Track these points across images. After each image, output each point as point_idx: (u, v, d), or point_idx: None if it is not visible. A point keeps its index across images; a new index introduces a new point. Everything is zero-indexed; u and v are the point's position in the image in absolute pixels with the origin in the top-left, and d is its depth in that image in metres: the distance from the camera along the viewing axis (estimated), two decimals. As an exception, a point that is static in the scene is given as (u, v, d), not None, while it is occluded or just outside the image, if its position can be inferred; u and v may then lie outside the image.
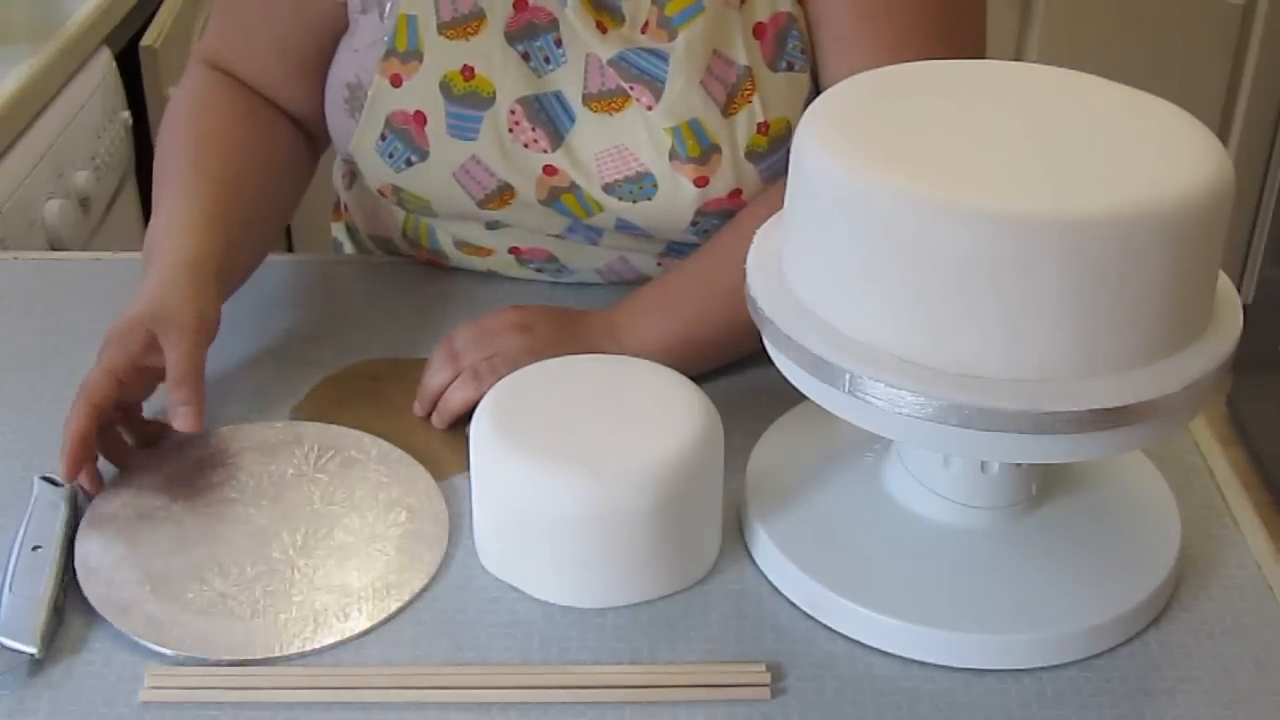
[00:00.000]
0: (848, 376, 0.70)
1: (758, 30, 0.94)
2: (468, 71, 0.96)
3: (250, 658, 0.76)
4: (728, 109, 0.94)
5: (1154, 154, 0.71)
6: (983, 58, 0.97)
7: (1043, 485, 0.83)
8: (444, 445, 0.92)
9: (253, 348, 1.02)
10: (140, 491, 0.86)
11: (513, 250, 1.07)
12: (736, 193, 0.96)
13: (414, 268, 1.13)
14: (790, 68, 0.96)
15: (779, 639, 0.78)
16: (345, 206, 1.21)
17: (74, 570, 0.81)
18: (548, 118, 0.96)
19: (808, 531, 0.82)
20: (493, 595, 0.81)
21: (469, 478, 0.84)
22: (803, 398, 0.76)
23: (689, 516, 0.80)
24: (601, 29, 0.95)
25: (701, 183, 0.95)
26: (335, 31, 1.01)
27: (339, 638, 0.77)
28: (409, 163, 0.99)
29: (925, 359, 0.69)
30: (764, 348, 0.78)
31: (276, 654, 0.76)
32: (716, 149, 0.94)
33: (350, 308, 1.08)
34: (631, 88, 0.94)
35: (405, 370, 0.99)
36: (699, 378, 0.87)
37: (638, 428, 0.79)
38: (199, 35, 1.84)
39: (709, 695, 0.74)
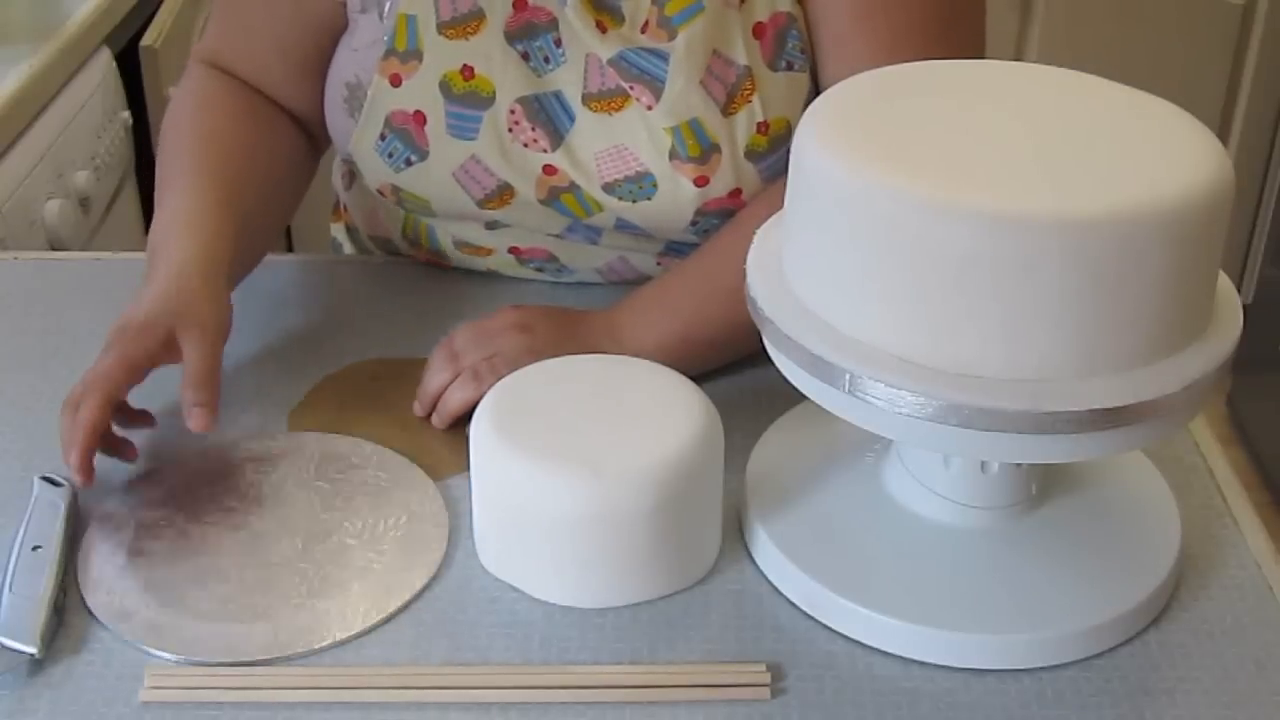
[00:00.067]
0: (847, 376, 0.70)
1: (757, 30, 0.94)
2: (467, 71, 0.96)
3: (250, 658, 0.76)
4: (727, 109, 0.94)
5: (1154, 154, 0.71)
6: (982, 58, 0.97)
7: (1043, 485, 0.83)
8: (444, 445, 0.92)
9: (252, 348, 1.02)
10: (142, 503, 0.86)
11: (512, 250, 1.07)
12: (736, 192, 0.96)
13: (414, 268, 1.13)
14: (790, 67, 0.96)
15: (779, 639, 0.78)
16: (345, 206, 1.21)
17: (74, 571, 0.81)
18: (547, 117, 0.96)
19: (808, 531, 0.82)
20: (493, 595, 0.81)
21: (469, 478, 0.84)
22: (803, 398, 0.76)
23: (689, 516, 0.80)
24: (601, 29, 0.95)
25: (701, 182, 0.95)
26: (335, 31, 1.01)
27: (339, 638, 0.77)
28: (408, 162, 0.99)
29: (925, 359, 0.69)
30: (764, 347, 0.78)
31: (276, 655, 0.76)
32: (716, 149, 0.94)
33: (350, 308, 1.08)
34: (631, 87, 0.94)
35: (405, 370, 0.99)
36: (699, 378, 0.87)
37: (638, 428, 0.79)
38: (199, 35, 1.84)
39: (709, 695, 0.74)
